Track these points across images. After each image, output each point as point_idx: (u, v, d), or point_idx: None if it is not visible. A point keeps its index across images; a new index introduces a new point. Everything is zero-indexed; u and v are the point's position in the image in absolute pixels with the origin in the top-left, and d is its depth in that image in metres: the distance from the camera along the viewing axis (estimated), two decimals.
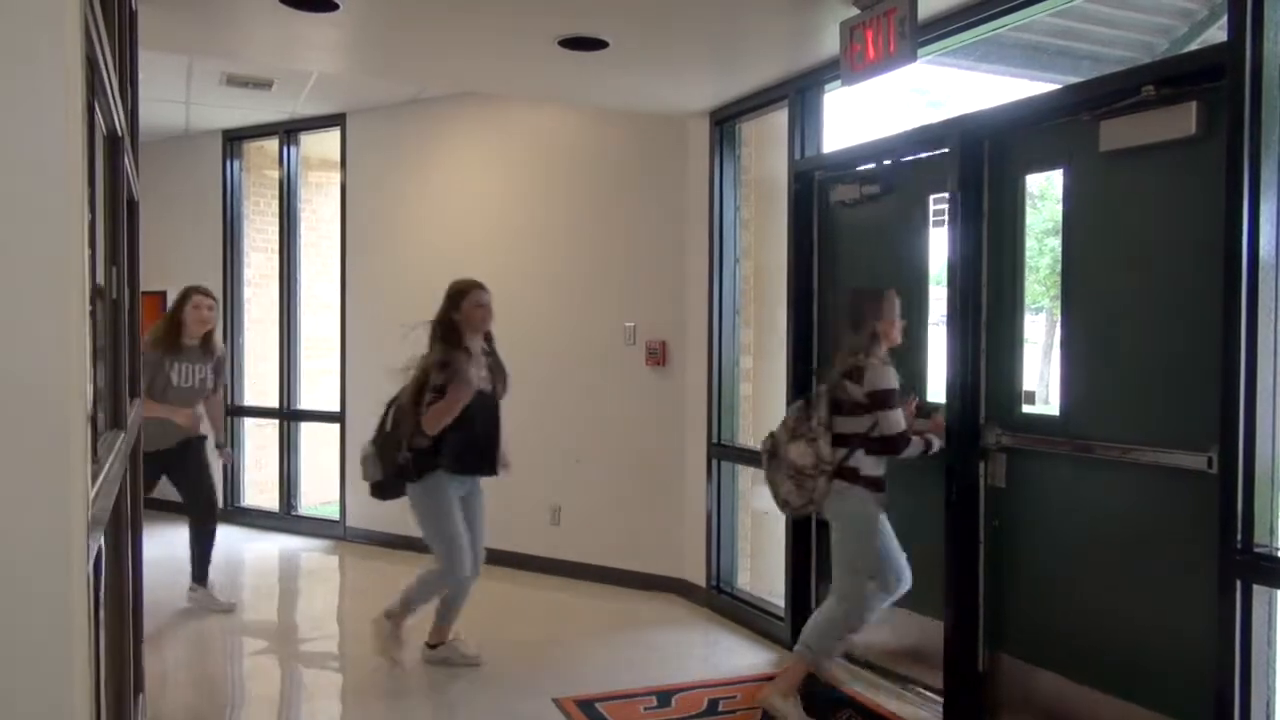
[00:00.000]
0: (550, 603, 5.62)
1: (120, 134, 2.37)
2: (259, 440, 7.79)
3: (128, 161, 2.75)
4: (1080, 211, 3.36)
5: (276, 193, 7.53)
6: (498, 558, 6.23)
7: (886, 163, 4.22)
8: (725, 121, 5.26)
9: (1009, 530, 3.64)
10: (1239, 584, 2.69)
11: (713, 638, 4.95)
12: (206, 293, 5.37)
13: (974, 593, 3.75)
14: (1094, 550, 3.31)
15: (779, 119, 4.90)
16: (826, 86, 4.59)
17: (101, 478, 1.77)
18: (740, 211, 5.39)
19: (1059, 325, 3.42)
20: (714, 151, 5.32)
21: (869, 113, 6.18)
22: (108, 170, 2.36)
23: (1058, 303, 3.52)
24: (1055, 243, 3.64)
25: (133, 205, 3.23)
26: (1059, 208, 3.50)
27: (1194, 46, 6.30)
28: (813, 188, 4.64)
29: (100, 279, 2.09)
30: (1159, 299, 3.09)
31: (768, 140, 5.35)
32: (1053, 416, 3.48)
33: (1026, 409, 3.60)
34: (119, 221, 2.46)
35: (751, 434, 5.40)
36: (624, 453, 5.88)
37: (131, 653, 3.20)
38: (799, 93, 4.65)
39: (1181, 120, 2.92)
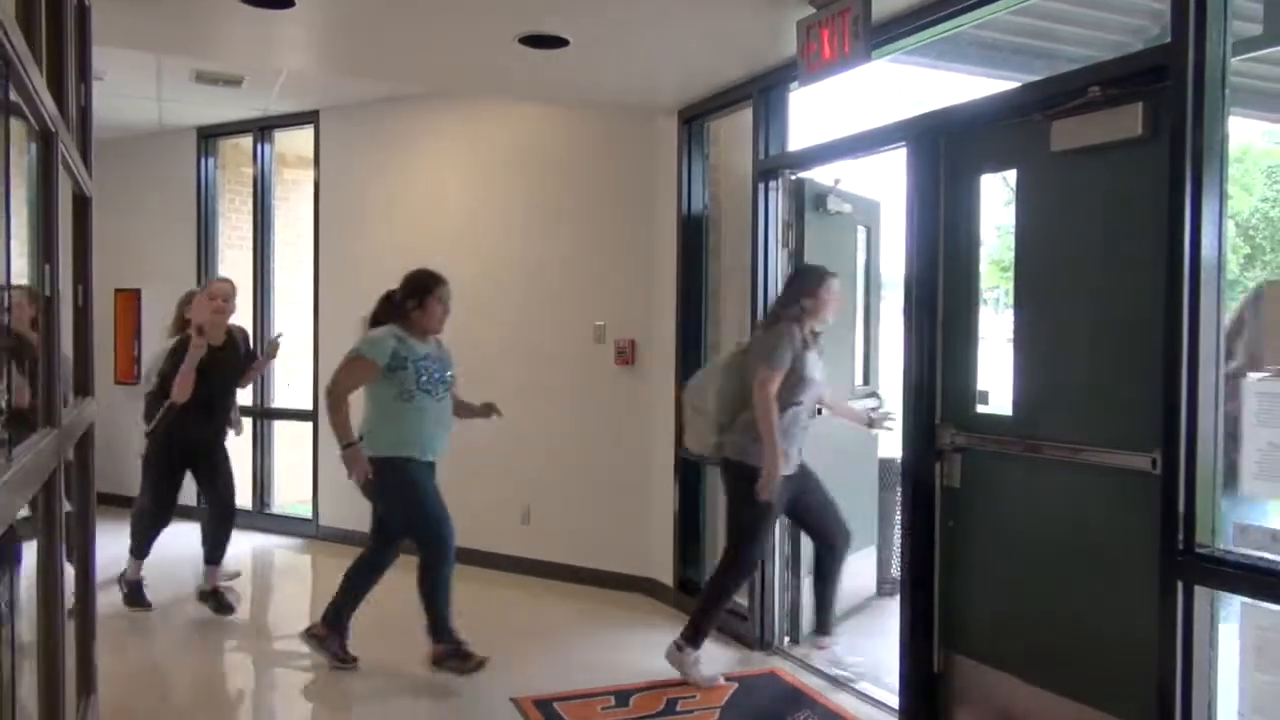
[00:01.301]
0: (518, 602, 5.61)
1: (52, 130, 2.35)
2: (232, 439, 7.74)
3: (69, 157, 2.73)
4: (1032, 211, 3.36)
5: (251, 190, 7.51)
6: (468, 557, 6.22)
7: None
8: (694, 120, 5.25)
9: (964, 530, 3.64)
10: (1180, 585, 2.69)
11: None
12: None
13: (929, 593, 3.74)
14: (1045, 550, 3.31)
15: (747, 116, 4.90)
16: (791, 85, 4.59)
17: (14, 469, 1.75)
18: (709, 209, 5.38)
19: (1011, 324, 3.42)
20: (683, 149, 5.31)
21: (845, 108, 6.17)
22: (39, 165, 2.35)
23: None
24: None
25: (82, 201, 3.21)
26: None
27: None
28: (779, 185, 4.63)
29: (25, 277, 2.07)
30: (1107, 300, 3.09)
31: (737, 138, 5.35)
32: (1005, 416, 3.47)
33: (981, 409, 3.60)
34: (53, 218, 2.44)
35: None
36: (594, 451, 5.88)
37: (77, 652, 3.18)
38: (763, 91, 4.64)
39: (1128, 121, 2.92)
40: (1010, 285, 3.51)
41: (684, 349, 5.32)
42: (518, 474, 6.13)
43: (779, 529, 4.67)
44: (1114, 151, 3.01)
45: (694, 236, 5.32)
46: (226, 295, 5.22)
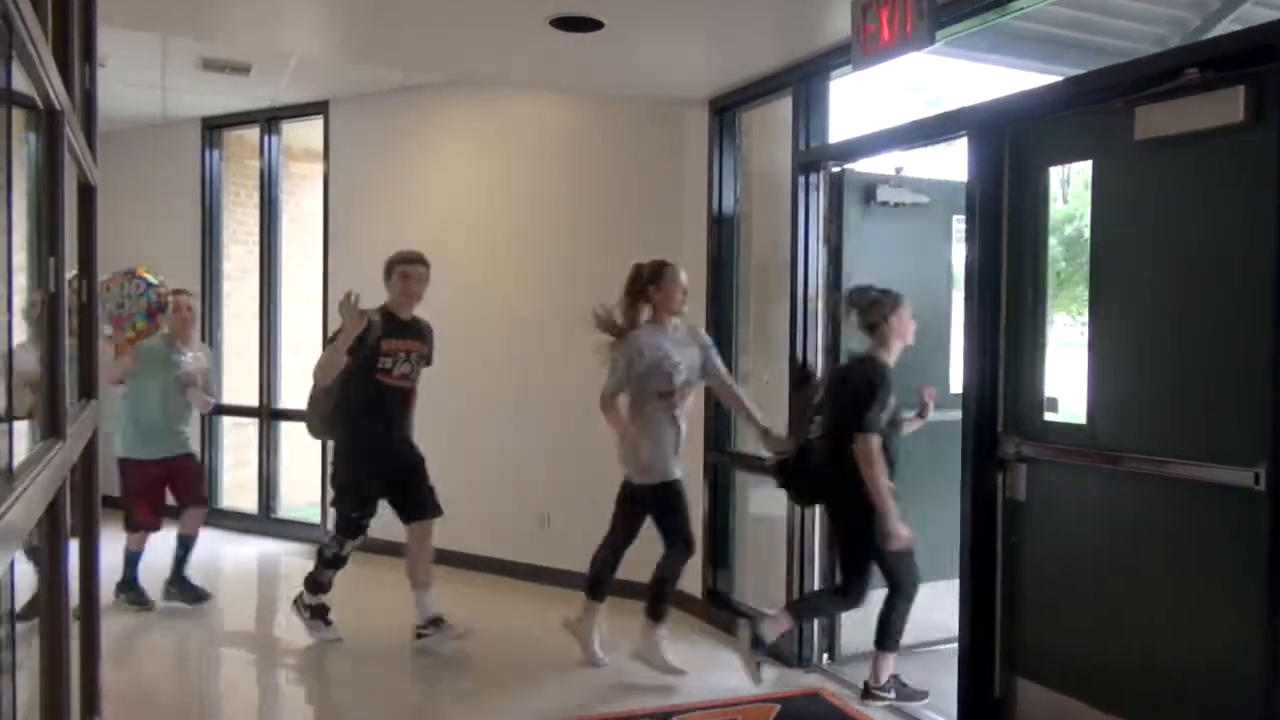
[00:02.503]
0: (537, 613, 5.35)
1: (58, 108, 2.11)
2: (238, 440, 7.51)
3: (74, 141, 2.49)
4: (1111, 206, 3.12)
5: (257, 183, 7.26)
6: (485, 564, 6.01)
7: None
8: (725, 110, 5.02)
9: (1029, 547, 3.41)
10: None
11: (710, 654, 4.70)
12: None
13: (990, 612, 3.51)
14: (1123, 571, 3.08)
15: (781, 108, 4.66)
16: (833, 73, 4.35)
17: (18, 493, 1.53)
18: (740, 205, 5.15)
19: (1086, 328, 3.18)
20: (713, 142, 5.07)
21: (863, 110, 5.90)
22: (43, 147, 2.11)
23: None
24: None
25: (87, 190, 2.97)
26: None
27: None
28: (820, 178, 4.40)
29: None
30: (1200, 300, 2.85)
31: (769, 130, 5.11)
32: (1078, 425, 3.24)
33: (1049, 416, 3.36)
34: (58, 207, 2.20)
35: (750, 438, 5.15)
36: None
37: (81, 672, 2.95)
38: (804, 79, 4.40)
39: (1227, 106, 2.68)
40: (1082, 285, 3.27)
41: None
42: (536, 479, 5.89)
43: (815, 538, 4.45)
44: (1209, 140, 2.78)
45: (724, 233, 5.08)
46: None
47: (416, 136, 6.36)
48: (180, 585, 5.24)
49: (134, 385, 5.14)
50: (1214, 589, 2.80)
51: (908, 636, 4.05)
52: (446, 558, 6.13)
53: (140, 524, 5.12)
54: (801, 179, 4.42)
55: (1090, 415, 3.18)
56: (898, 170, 4.25)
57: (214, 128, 7.33)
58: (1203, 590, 2.84)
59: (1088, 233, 3.23)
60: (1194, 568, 2.87)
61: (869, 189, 4.36)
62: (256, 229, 7.27)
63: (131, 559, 5.14)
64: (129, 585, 5.16)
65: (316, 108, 6.74)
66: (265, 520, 7.09)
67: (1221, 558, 2.77)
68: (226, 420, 7.45)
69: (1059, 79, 3.29)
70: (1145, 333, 3.01)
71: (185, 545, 5.27)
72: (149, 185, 7.60)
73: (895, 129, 3.95)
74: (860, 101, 5.48)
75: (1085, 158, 3.20)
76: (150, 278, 5.88)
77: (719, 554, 5.13)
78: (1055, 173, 3.36)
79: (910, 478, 4.20)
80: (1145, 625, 3.01)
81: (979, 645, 3.51)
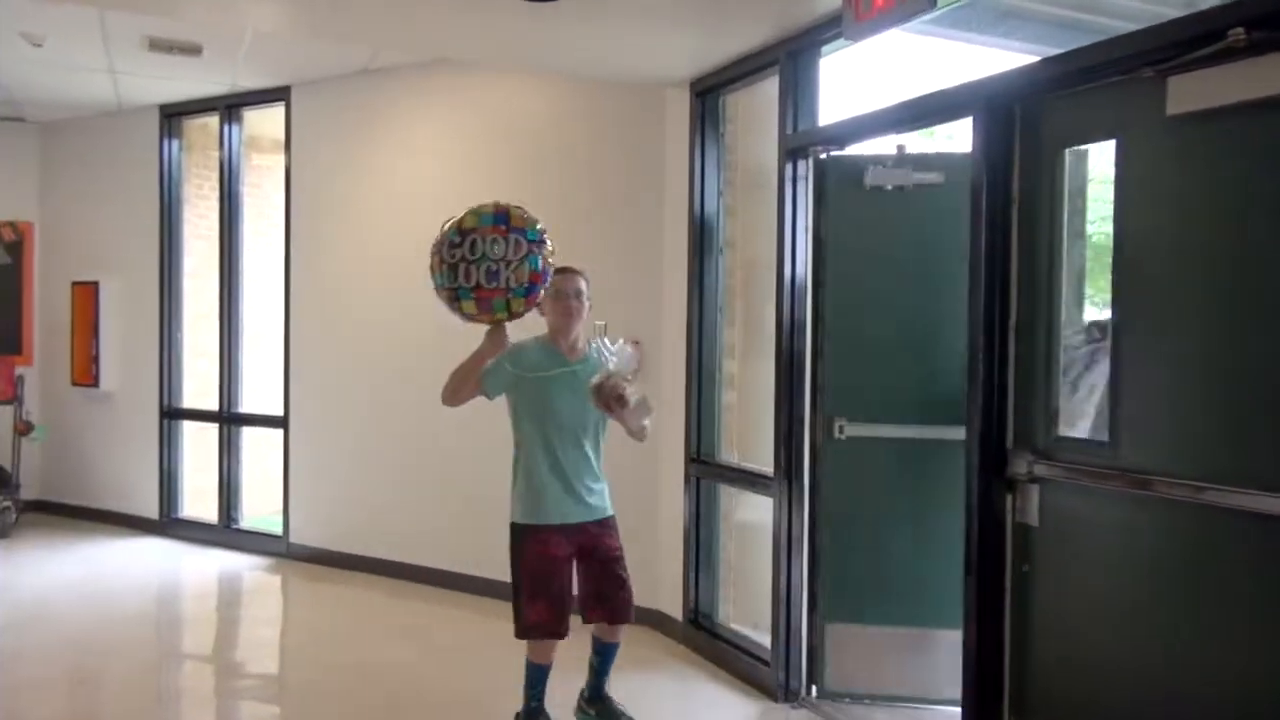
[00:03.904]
0: (507, 635, 4.96)
1: None
2: (199, 445, 7.12)
3: None
4: (1139, 190, 2.72)
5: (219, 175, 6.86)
6: (443, 579, 5.62)
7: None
8: (708, 93, 4.62)
9: (1042, 577, 3.01)
10: None
11: (689, 684, 4.32)
12: None
13: (997, 649, 3.12)
14: (1154, 609, 2.68)
15: (768, 90, 4.27)
16: (824, 50, 3.96)
17: None
18: (724, 197, 4.75)
19: (1108, 330, 2.79)
20: (695, 128, 4.68)
21: (857, 96, 5.45)
22: None
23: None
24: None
25: None
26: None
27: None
28: (808, 165, 4.00)
29: None
30: (1245, 300, 2.45)
31: (756, 116, 4.72)
32: (1098, 443, 2.84)
33: (1065, 432, 2.96)
34: None
35: (735, 447, 4.77)
36: None
37: None
38: (791, 56, 4.01)
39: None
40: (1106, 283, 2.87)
41: (698, 350, 4.69)
42: (503, 488, 5.49)
43: (804, 562, 4.06)
44: (1257, 114, 2.38)
45: (707, 225, 4.68)
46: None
47: (382, 123, 5.96)
48: None
49: None
50: (1261, 634, 2.41)
51: (909, 688, 3.67)
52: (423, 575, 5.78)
53: None
54: (789, 166, 4.03)
55: (1113, 431, 2.78)
56: (900, 149, 3.82)
57: (172, 116, 6.92)
58: (1247, 636, 2.45)
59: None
60: (1236, 609, 2.47)
61: (861, 174, 3.94)
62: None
63: None
64: None
65: (277, 94, 6.34)
66: (226, 531, 6.70)
67: (1270, 599, 2.38)
68: (186, 425, 7.06)
69: (1080, 46, 2.88)
70: (1180, 338, 2.61)
71: None
72: (105, 177, 7.21)
73: (890, 109, 3.54)
74: (853, 87, 5.06)
75: (1108, 137, 2.79)
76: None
77: (701, 571, 4.73)
78: (1072, 155, 2.95)
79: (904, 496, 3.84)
80: (1177, 667, 2.62)
81: (985, 685, 3.11)
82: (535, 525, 3.48)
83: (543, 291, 3.32)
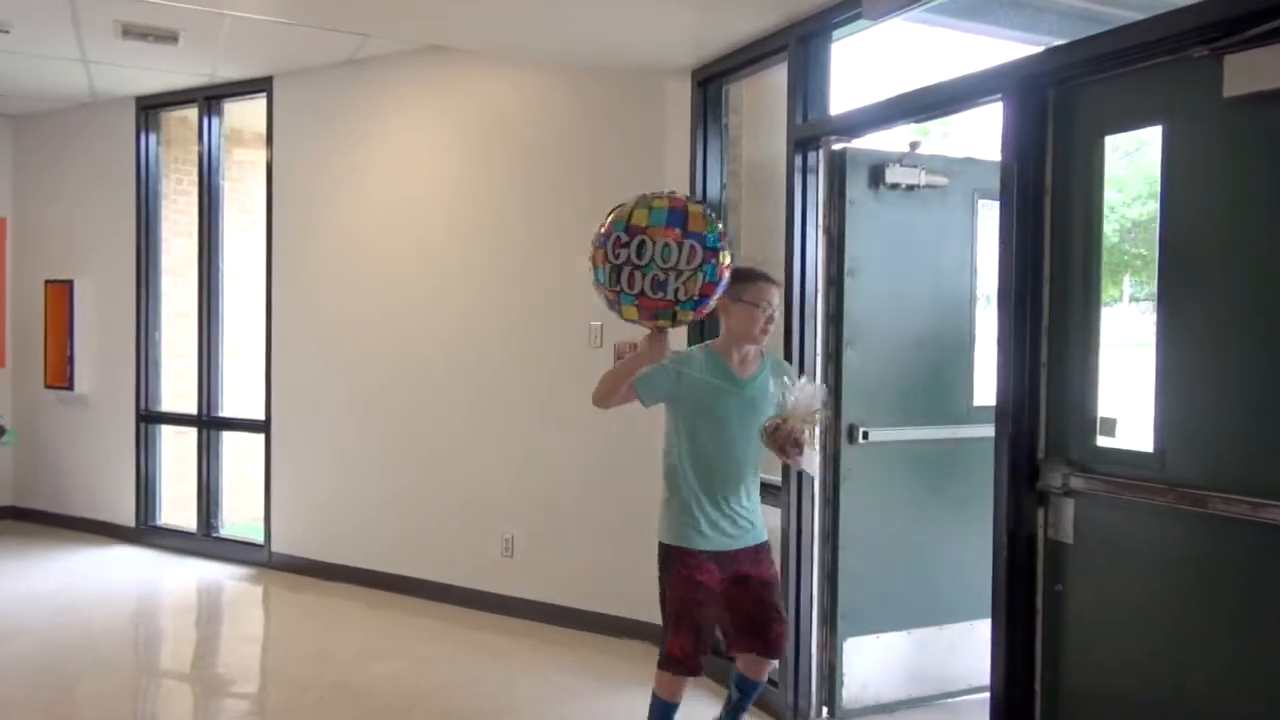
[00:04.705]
0: (495, 650, 4.73)
1: None
2: (177, 450, 6.86)
3: None
4: (1191, 180, 2.51)
5: (197, 169, 6.61)
6: (440, 593, 5.39)
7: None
8: (710, 81, 4.40)
9: (1078, 598, 2.80)
10: None
11: (692, 706, 4.07)
12: None
13: (1028, 674, 2.90)
14: (1203, 635, 2.47)
15: (775, 79, 4.05)
16: (836, 34, 3.74)
17: None
18: (728, 191, 4.53)
19: (1155, 333, 2.58)
20: (697, 119, 4.45)
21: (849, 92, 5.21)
22: None
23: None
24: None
25: None
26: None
27: None
28: (819, 157, 3.78)
29: None
30: None
31: (761, 107, 4.50)
32: (1143, 454, 2.63)
33: (1104, 442, 2.75)
34: None
35: None
36: (590, 475, 5.02)
37: None
38: (801, 41, 3.78)
39: None
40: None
41: None
42: (498, 498, 5.27)
43: (817, 577, 3.85)
44: None
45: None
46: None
47: (369, 115, 5.72)
48: None
49: None
50: None
51: (931, 686, 3.47)
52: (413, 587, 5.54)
53: None
54: (798, 158, 3.81)
55: (1158, 441, 2.57)
56: (913, 145, 3.62)
57: (149, 108, 6.66)
58: None
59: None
60: None
61: (877, 169, 3.74)
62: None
63: None
64: None
65: (259, 85, 6.09)
66: (206, 539, 6.44)
67: None
68: (165, 429, 6.81)
69: (1122, 25, 2.67)
70: (1236, 341, 2.40)
71: None
72: (80, 172, 6.95)
73: (910, 94, 3.32)
74: (857, 81, 4.83)
75: (1154, 122, 2.58)
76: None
77: None
78: (1113, 141, 2.74)
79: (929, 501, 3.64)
80: (1229, 705, 2.40)
81: (1015, 714, 2.90)
82: (685, 549, 3.13)
83: (713, 301, 2.85)
